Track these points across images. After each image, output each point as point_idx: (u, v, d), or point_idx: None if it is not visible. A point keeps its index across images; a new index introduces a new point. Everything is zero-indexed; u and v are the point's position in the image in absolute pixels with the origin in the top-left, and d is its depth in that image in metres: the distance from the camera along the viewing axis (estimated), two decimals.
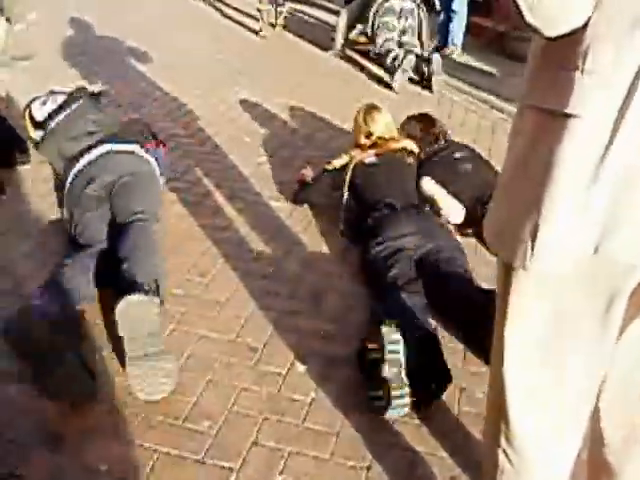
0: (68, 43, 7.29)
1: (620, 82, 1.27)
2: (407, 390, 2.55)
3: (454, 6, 7.06)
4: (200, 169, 4.64)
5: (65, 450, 2.47)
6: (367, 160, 3.99)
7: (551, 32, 1.30)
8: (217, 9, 8.98)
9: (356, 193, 3.92)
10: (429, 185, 4.01)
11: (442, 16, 7.29)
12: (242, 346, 3.02)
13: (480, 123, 5.55)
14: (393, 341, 2.59)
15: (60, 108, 4.01)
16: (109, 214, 3.49)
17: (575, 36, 1.29)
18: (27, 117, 4.14)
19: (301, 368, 2.90)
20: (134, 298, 2.65)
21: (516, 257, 1.47)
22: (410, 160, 4.07)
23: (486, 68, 7.05)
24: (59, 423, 2.58)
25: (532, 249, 1.42)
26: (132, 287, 2.81)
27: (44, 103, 4.13)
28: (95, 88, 4.58)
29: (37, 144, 4.08)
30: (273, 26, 8.14)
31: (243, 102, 5.91)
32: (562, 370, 1.59)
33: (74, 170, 3.62)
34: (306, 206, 4.20)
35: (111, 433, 2.55)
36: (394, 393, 2.52)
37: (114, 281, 2.98)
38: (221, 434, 2.56)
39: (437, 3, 7.34)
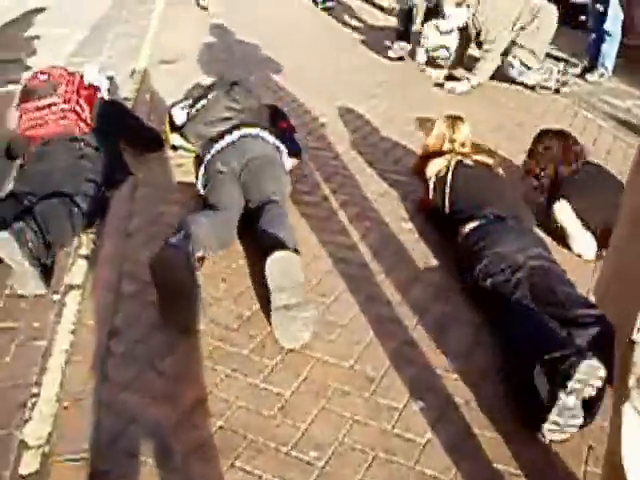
0: (209, 48, 7.47)
1: None
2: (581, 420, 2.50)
3: (607, 25, 6.62)
4: (331, 184, 4.56)
5: (171, 465, 2.44)
6: (465, 162, 3.95)
7: None
8: (354, 28, 8.93)
9: (457, 197, 3.81)
10: (564, 212, 3.82)
11: (593, 36, 6.91)
12: (359, 374, 2.89)
13: (627, 153, 5.18)
14: (593, 375, 2.43)
15: (199, 98, 4.49)
16: (239, 190, 3.83)
17: None
18: (167, 122, 4.35)
19: (418, 405, 2.73)
20: (282, 253, 3.00)
21: (633, 327, 1.30)
22: (499, 172, 4.04)
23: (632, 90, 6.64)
24: (170, 435, 2.56)
25: None
26: (277, 246, 3.11)
27: (183, 108, 4.45)
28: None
29: (174, 146, 4.65)
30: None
31: (379, 116, 5.80)
32: None
33: (212, 151, 4.01)
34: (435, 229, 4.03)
35: (217, 452, 2.49)
36: (571, 422, 2.49)
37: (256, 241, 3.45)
38: (328, 467, 2.45)
39: (589, 21, 6.98)
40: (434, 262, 3.73)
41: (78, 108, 4.37)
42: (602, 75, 6.80)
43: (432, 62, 7.13)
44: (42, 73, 4.48)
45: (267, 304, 3.10)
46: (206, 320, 3.17)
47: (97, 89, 4.76)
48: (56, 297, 3.30)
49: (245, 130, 4.11)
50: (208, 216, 3.57)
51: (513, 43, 6.33)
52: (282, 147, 4.21)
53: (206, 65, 6.93)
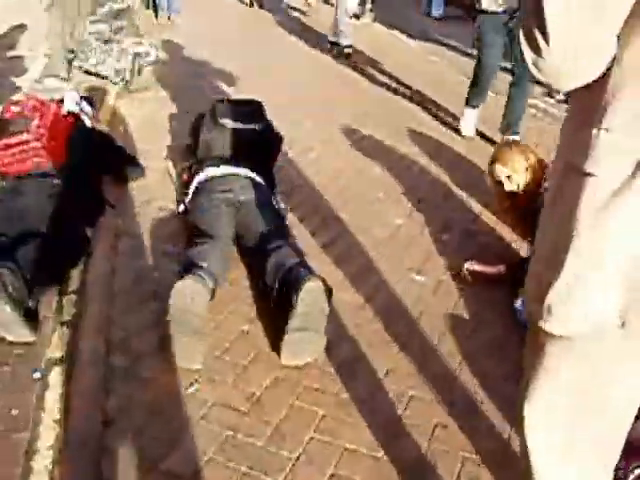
0: (182, 77, 7.06)
1: (634, 147, 1.23)
2: None
3: None
4: (330, 231, 4.20)
5: None
6: None
7: (561, 86, 1.28)
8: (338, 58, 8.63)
9: None
10: None
11: None
12: (388, 466, 2.53)
13: None
14: None
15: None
16: (233, 222, 3.72)
17: (597, 91, 1.25)
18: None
19: None
20: (319, 284, 2.99)
21: (539, 315, 1.43)
22: None
23: None
24: None
25: (549, 310, 1.40)
26: (304, 276, 3.05)
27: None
28: None
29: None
30: None
31: (372, 148, 5.47)
32: None
33: (209, 172, 3.99)
34: (450, 281, 3.71)
35: None
36: None
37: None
38: None
39: None
40: (453, 322, 3.39)
41: (52, 144, 3.98)
42: None
43: None
44: (14, 104, 4.08)
45: (278, 380, 2.84)
46: (211, 401, 2.77)
47: (77, 117, 4.39)
48: (37, 375, 2.86)
49: (240, 170, 4.01)
50: (214, 247, 3.43)
51: None
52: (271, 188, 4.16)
53: (181, 90, 6.54)
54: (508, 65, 5.55)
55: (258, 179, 4.04)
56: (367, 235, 4.15)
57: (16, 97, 4.34)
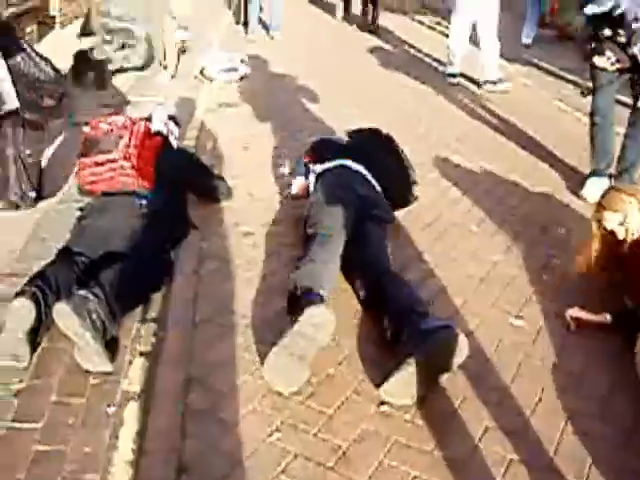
0: (273, 94, 6.92)
1: None
2: None
3: None
4: (421, 265, 3.97)
5: None
6: None
7: None
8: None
9: None
10: None
11: None
12: None
13: None
14: None
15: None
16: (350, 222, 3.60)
17: None
18: None
19: None
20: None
21: None
22: None
23: None
24: None
25: None
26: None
27: None
28: None
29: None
30: None
31: (466, 177, 5.21)
32: None
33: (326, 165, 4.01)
34: (551, 327, 3.42)
35: None
36: None
37: None
38: None
39: None
40: (560, 380, 3.08)
41: (140, 164, 3.86)
42: None
43: None
44: (104, 122, 3.98)
45: (366, 433, 2.65)
46: (294, 452, 2.57)
47: (164, 137, 4.26)
48: (111, 410, 2.71)
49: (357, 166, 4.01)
50: (328, 255, 3.37)
51: None
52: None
53: (271, 109, 6.41)
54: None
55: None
56: (461, 272, 3.89)
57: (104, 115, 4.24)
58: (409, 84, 7.85)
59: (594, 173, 5.04)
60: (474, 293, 3.70)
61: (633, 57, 4.52)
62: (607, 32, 4.50)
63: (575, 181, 5.17)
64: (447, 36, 8.31)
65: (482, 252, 4.13)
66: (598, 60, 4.67)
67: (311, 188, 4.04)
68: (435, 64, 8.62)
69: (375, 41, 9.32)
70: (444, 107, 7.08)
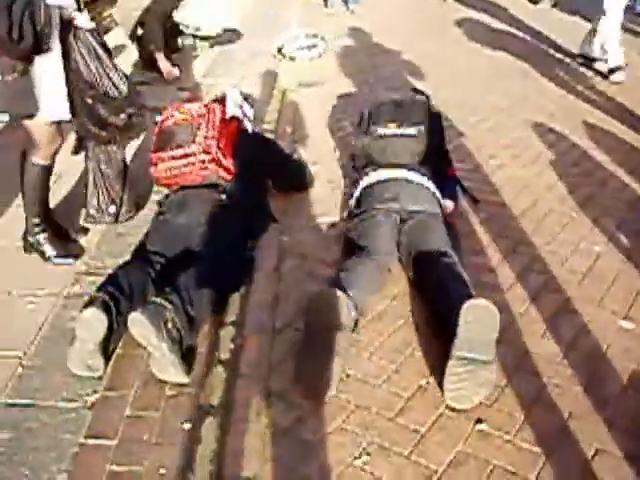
0: (355, 71, 6.61)
1: None
2: None
3: None
4: (521, 258, 3.65)
5: None
6: None
7: None
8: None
9: None
10: None
11: None
12: None
13: None
14: None
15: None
16: (397, 237, 3.41)
17: None
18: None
19: None
20: (483, 302, 2.68)
21: None
22: None
23: None
24: None
25: None
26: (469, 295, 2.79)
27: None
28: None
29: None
30: None
31: (561, 157, 4.84)
32: None
33: (374, 177, 3.71)
34: None
35: None
36: None
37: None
38: None
39: None
40: None
41: (220, 155, 3.67)
42: None
43: None
44: (178, 111, 3.78)
45: (464, 455, 2.42)
46: (384, 478, 2.34)
47: (240, 121, 4.04)
48: (187, 426, 2.54)
49: (411, 175, 3.67)
50: (365, 268, 3.19)
51: None
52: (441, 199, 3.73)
53: (354, 88, 6.13)
54: None
55: (428, 184, 3.66)
56: (563, 266, 3.57)
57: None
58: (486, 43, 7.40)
59: None
60: (576, 291, 3.38)
61: None
62: None
63: None
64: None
65: (583, 243, 3.79)
66: None
67: (353, 202, 3.78)
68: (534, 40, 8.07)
69: (464, 11, 8.84)
70: (526, 74, 6.63)
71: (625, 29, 6.87)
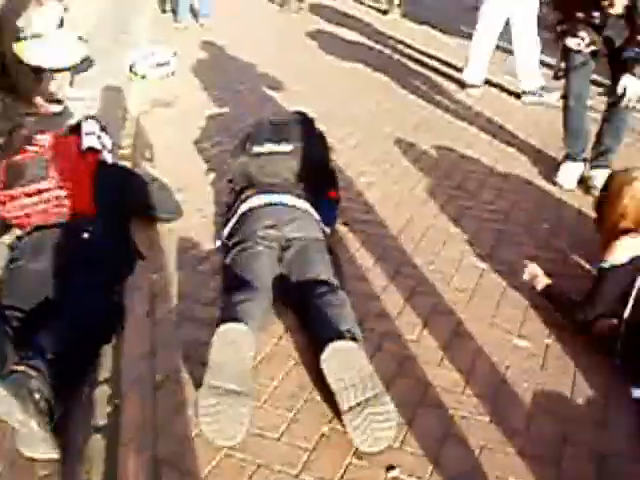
0: (211, 89, 6.38)
1: None
2: None
3: None
4: (400, 279, 3.54)
5: None
6: None
7: None
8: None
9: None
10: None
11: None
12: None
13: None
14: None
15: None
16: (277, 266, 3.23)
17: None
18: None
19: None
20: (339, 345, 2.51)
21: None
22: None
23: None
24: None
25: None
26: (333, 334, 2.62)
27: None
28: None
29: None
30: None
31: (430, 169, 4.81)
32: None
33: (250, 203, 3.47)
34: (560, 344, 3.03)
35: None
36: None
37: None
38: None
39: None
40: None
41: (76, 190, 3.34)
42: None
43: None
44: (30, 143, 3.42)
45: None
46: None
47: (98, 153, 3.76)
48: None
49: (291, 199, 3.49)
50: (253, 302, 2.89)
51: None
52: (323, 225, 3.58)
53: (212, 105, 5.84)
54: None
55: (309, 208, 3.51)
56: (450, 286, 3.48)
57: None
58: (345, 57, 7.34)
59: (568, 158, 4.71)
60: (466, 311, 3.31)
61: (607, 38, 4.26)
62: (580, 14, 4.22)
63: (548, 167, 4.82)
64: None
65: (467, 260, 3.73)
66: (571, 42, 4.36)
67: (227, 231, 3.56)
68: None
69: (318, 23, 8.74)
70: (386, 86, 6.61)
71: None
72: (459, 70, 6.61)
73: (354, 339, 2.64)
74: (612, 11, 4.03)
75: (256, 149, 3.79)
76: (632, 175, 3.16)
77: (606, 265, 2.96)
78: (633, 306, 2.85)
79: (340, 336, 2.61)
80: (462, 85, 6.49)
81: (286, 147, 3.78)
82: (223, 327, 2.55)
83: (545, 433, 2.57)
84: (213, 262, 3.58)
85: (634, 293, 2.85)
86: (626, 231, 3.02)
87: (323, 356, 2.50)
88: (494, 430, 2.58)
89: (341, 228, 3.92)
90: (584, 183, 4.61)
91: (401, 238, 3.91)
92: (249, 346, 2.56)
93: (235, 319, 2.64)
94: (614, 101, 4.37)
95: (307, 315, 3.01)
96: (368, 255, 3.71)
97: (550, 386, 2.82)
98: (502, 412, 2.67)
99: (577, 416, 2.67)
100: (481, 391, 2.77)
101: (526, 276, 3.33)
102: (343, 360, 2.49)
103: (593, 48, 4.34)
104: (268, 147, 3.78)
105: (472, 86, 6.42)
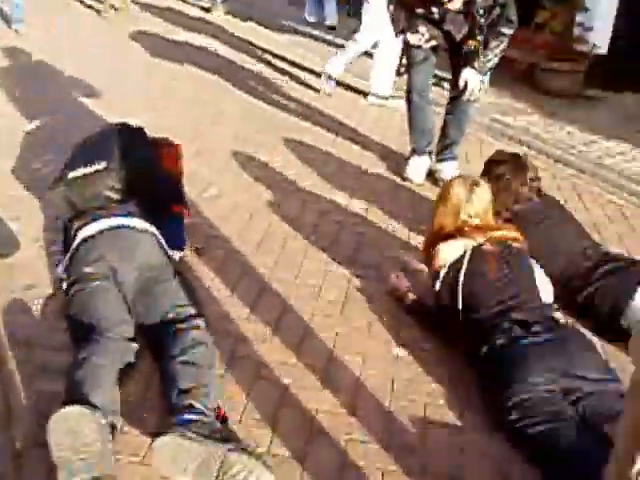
0: (24, 99, 5.82)
1: None
2: None
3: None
4: (268, 296, 3.36)
5: None
6: (486, 247, 3.02)
7: None
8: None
9: (473, 298, 2.92)
10: None
11: None
12: None
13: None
14: None
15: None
16: (122, 303, 2.89)
17: None
18: None
19: None
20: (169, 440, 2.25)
21: None
22: (522, 251, 3.13)
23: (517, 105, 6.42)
24: None
25: None
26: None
27: None
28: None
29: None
30: None
31: (277, 176, 4.66)
32: None
33: (83, 233, 3.09)
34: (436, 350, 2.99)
35: None
36: None
37: None
38: None
39: None
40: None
41: None
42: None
43: None
44: None
45: None
46: None
47: None
48: None
49: (125, 220, 3.14)
50: (99, 354, 2.57)
51: None
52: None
53: (32, 119, 5.34)
54: None
55: (149, 228, 3.19)
56: (320, 298, 3.36)
57: None
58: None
59: (415, 152, 4.72)
60: (344, 323, 3.17)
61: (447, 33, 4.28)
62: (420, 10, 4.23)
63: (396, 162, 4.83)
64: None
65: (330, 268, 3.60)
66: (411, 37, 4.37)
67: (61, 270, 3.21)
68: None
69: (145, 25, 8.30)
70: (224, 89, 6.37)
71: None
72: (304, 69, 6.52)
73: (191, 421, 2.36)
74: (450, 6, 4.05)
75: (71, 175, 3.43)
76: (454, 181, 3.25)
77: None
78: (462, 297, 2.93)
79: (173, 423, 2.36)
80: (311, 88, 6.45)
81: (99, 165, 3.43)
82: (55, 416, 2.23)
83: (443, 452, 2.48)
84: (58, 303, 3.18)
85: (459, 289, 2.93)
86: (447, 236, 3.10)
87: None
88: (390, 455, 2.45)
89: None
90: (432, 176, 4.64)
91: (262, 252, 3.72)
92: (91, 429, 2.24)
93: (73, 400, 2.32)
94: (456, 95, 4.41)
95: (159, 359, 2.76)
96: (229, 273, 3.49)
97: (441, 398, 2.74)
98: (397, 434, 2.57)
99: None
100: (369, 412, 2.65)
101: (390, 291, 3.33)
102: (173, 453, 2.25)
103: (433, 43, 4.37)
104: (81, 171, 3.42)
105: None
